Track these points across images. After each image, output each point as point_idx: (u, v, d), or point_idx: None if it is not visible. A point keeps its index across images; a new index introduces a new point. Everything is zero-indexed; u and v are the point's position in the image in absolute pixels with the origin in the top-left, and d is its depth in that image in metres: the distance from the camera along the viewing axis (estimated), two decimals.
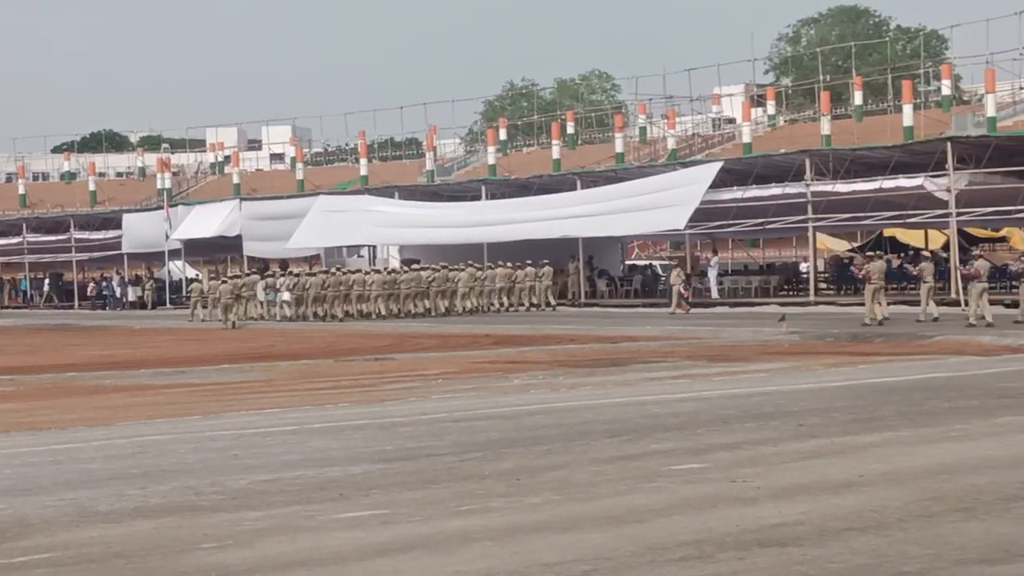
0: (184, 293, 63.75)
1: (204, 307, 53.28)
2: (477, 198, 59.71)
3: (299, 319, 50.40)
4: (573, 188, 56.23)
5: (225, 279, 53.34)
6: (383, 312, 50.26)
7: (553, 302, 53.07)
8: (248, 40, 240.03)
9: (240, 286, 52.31)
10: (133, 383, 25.65)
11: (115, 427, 17.74)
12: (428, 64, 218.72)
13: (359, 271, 53.17)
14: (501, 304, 52.32)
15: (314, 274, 53.08)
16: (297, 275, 53.72)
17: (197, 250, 67.52)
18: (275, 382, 25.01)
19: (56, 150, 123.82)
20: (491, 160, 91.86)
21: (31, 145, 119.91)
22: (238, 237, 62.61)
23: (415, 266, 53.70)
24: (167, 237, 64.75)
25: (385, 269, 54.23)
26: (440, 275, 51.59)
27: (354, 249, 64.61)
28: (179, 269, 64.73)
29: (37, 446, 15.87)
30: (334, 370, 27.67)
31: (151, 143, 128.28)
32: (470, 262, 52.76)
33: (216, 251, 69.49)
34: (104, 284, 74.13)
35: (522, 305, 52.50)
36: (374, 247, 63.09)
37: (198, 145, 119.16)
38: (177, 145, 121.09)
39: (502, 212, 56.68)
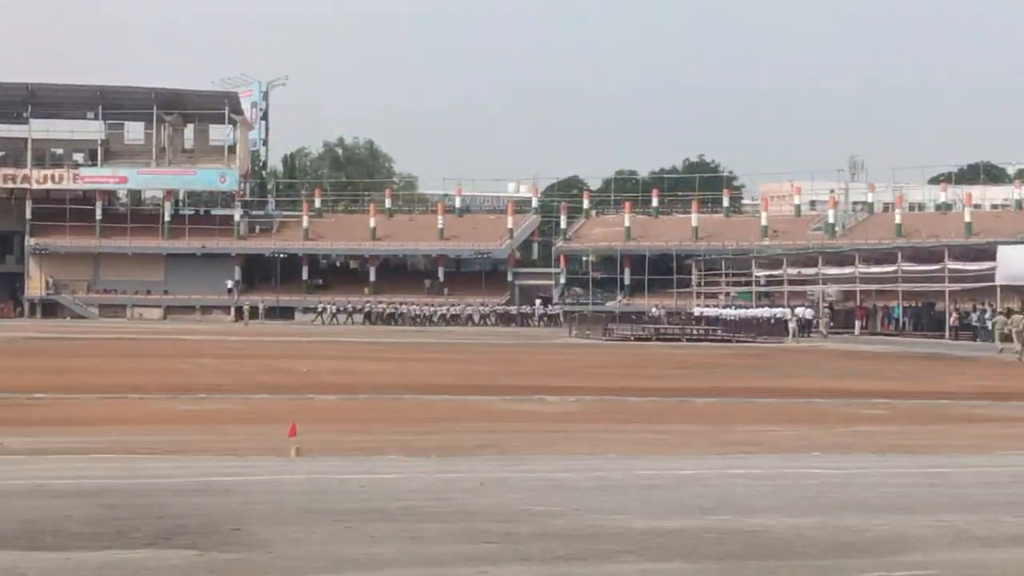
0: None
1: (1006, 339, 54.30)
2: None
3: None
4: None
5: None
6: None
7: None
8: None
9: None
10: (1008, 414, 25.47)
11: (990, 455, 17.76)
12: None
13: None
14: None
15: None
16: None
17: None
18: None
19: (933, 181, 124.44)
20: None
21: (909, 176, 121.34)
22: None
23: None
24: None
25: None
26: None
27: None
28: None
29: (911, 468, 16.21)
30: None
31: None
32: None
33: None
34: (976, 315, 73.72)
35: None
36: None
37: None
38: None
39: None
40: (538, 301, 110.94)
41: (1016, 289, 70.79)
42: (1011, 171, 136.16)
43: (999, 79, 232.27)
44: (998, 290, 70.43)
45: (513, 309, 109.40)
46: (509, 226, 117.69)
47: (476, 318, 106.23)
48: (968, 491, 14.00)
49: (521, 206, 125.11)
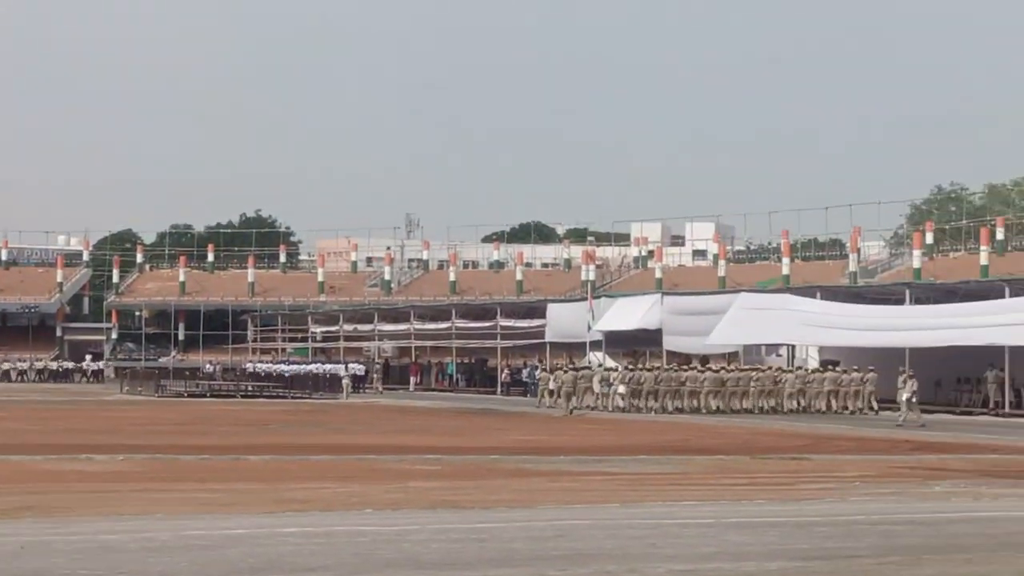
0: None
1: (551, 395, 56.69)
2: (901, 301, 58.44)
3: (633, 411, 52.83)
4: (1001, 296, 54.41)
5: (567, 369, 57.75)
6: (712, 408, 53.13)
7: (876, 407, 52.95)
8: (675, 135, 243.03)
9: (579, 376, 55.74)
10: (553, 468, 26.19)
11: (536, 510, 18.17)
12: (854, 165, 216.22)
13: (693, 368, 56.20)
14: (828, 407, 53.51)
15: (649, 369, 56.73)
16: (632, 369, 57.01)
17: (618, 342, 68.35)
18: (691, 475, 25.13)
19: (486, 239, 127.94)
20: (916, 264, 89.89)
21: (464, 234, 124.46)
22: (658, 331, 63.15)
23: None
24: (589, 328, 65.80)
25: (725, 368, 57.09)
26: (766, 375, 54.87)
27: (773, 348, 64.44)
28: (599, 359, 65.68)
29: (461, 523, 16.37)
30: (750, 466, 27.60)
31: (577, 236, 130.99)
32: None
33: (636, 343, 70.23)
34: (527, 371, 75.91)
35: (845, 408, 53.42)
36: (793, 346, 62.57)
37: (623, 239, 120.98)
38: (602, 239, 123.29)
39: (927, 317, 55.32)
40: (88, 356, 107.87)
41: (564, 346, 73.35)
42: (560, 231, 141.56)
43: (551, 144, 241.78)
44: (548, 347, 72.80)
45: (56, 365, 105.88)
46: (59, 280, 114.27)
47: (13, 375, 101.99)
48: (515, 545, 14.26)
49: (72, 259, 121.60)
